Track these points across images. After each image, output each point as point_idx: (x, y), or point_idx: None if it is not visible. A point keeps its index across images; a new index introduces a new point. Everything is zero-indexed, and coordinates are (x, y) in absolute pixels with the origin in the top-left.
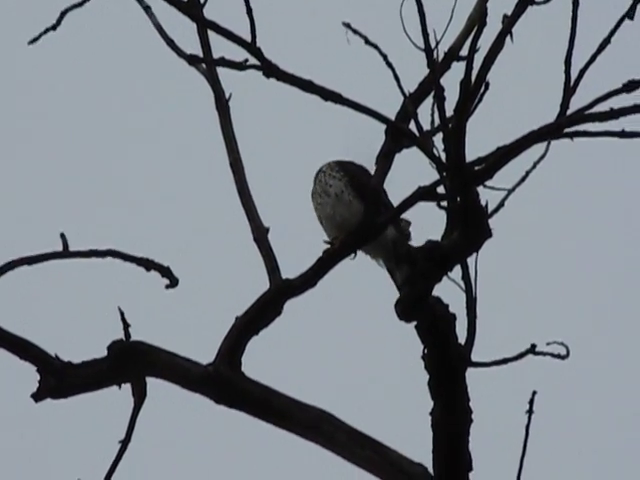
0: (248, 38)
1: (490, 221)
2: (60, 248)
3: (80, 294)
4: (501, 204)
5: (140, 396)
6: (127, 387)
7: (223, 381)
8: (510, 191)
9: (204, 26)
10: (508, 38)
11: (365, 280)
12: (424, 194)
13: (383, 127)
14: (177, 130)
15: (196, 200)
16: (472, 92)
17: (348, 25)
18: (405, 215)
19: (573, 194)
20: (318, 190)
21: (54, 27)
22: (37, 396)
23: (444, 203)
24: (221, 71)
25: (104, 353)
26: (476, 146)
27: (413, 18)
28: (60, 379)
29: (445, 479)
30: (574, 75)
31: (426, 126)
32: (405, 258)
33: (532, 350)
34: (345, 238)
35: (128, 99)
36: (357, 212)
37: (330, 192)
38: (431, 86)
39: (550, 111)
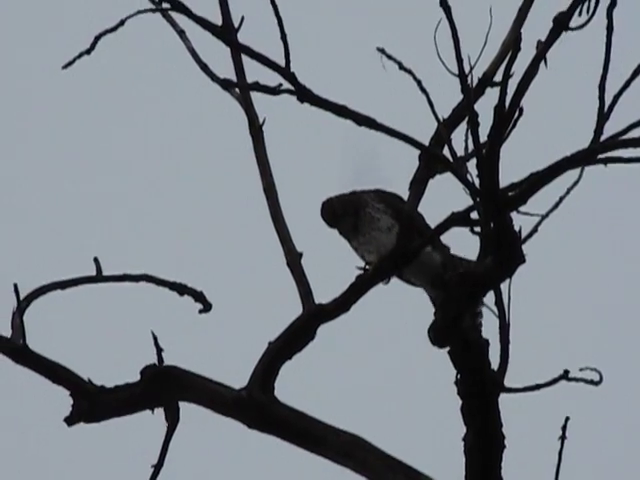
0: (282, 63)
1: (523, 247)
2: (93, 272)
3: (113, 319)
4: (534, 230)
5: (173, 420)
6: (160, 411)
7: (256, 406)
8: (544, 217)
9: (238, 50)
10: (542, 64)
11: (398, 305)
12: (457, 219)
13: (417, 153)
14: (211, 155)
15: (230, 225)
16: (506, 118)
17: (382, 50)
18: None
19: (607, 220)
20: (361, 226)
21: (88, 52)
22: (70, 420)
23: (477, 229)
24: (255, 96)
25: (137, 378)
26: (510, 172)
27: (447, 43)
28: (93, 403)
29: None
30: (608, 101)
31: (460, 152)
32: (440, 283)
33: (565, 376)
34: (379, 263)
35: (161, 124)
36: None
37: (382, 227)
38: (465, 112)
39: (584, 137)
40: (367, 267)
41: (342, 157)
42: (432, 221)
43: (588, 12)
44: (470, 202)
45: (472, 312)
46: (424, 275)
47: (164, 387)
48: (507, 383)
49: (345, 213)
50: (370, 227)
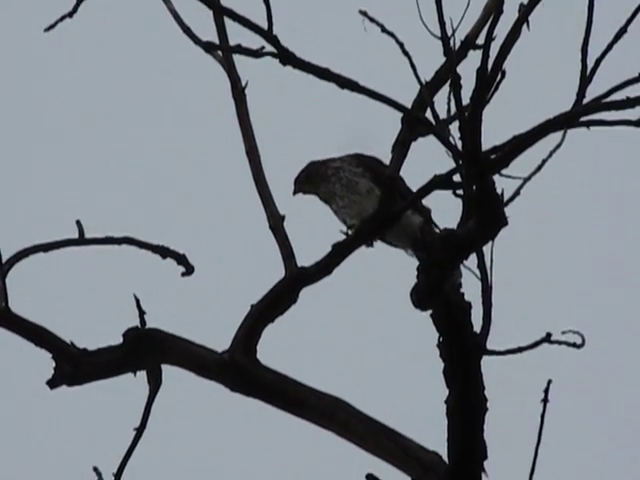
0: (265, 25)
1: (506, 209)
2: (76, 235)
3: (95, 281)
4: (517, 193)
5: (155, 383)
6: (142, 374)
7: (239, 369)
8: (526, 180)
9: (220, 13)
10: (525, 27)
11: (380, 268)
12: (440, 182)
13: (399, 115)
14: (192, 117)
15: (212, 188)
16: (488, 81)
17: (365, 13)
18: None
19: (589, 183)
20: (339, 190)
21: (70, 14)
22: (52, 383)
23: (460, 191)
24: (237, 58)
25: (119, 340)
26: (492, 135)
27: (430, 6)
28: (75, 366)
29: (460, 467)
30: (590, 64)
31: (442, 114)
32: (422, 246)
33: (547, 339)
34: (360, 227)
35: (143, 86)
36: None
37: (360, 190)
38: (447, 74)
39: (566, 100)
40: (349, 230)
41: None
42: (415, 184)
43: None
44: (452, 165)
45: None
46: (406, 237)
47: (146, 350)
48: (489, 346)
49: (308, 181)
50: (349, 191)
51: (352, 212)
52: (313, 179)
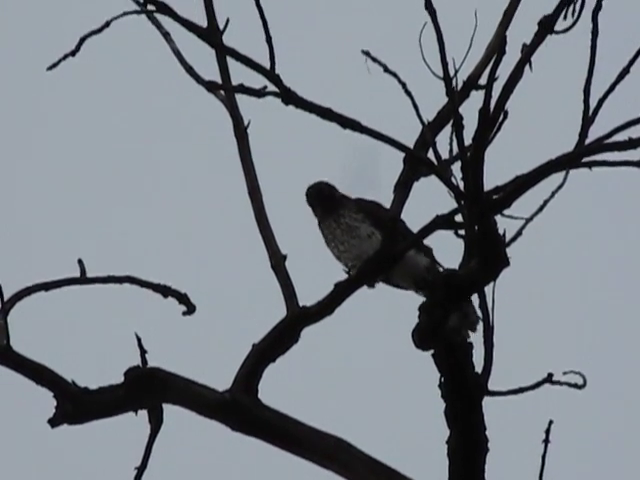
0: (267, 65)
1: (508, 250)
2: (78, 274)
3: (97, 320)
4: (519, 233)
5: (157, 422)
6: (144, 413)
7: (239, 408)
8: (528, 220)
9: (223, 53)
10: (527, 67)
11: (381, 308)
12: (442, 222)
13: (402, 155)
14: (196, 157)
15: (214, 227)
16: (491, 121)
17: (367, 53)
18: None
19: (591, 223)
20: (340, 235)
21: (73, 53)
22: (54, 422)
23: (462, 232)
24: (240, 98)
25: (121, 379)
26: (494, 175)
27: (432, 46)
28: (77, 405)
29: None
30: (593, 104)
31: (444, 155)
32: (424, 286)
33: (549, 379)
34: (362, 267)
35: (146, 125)
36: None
37: (361, 234)
38: (450, 114)
39: (569, 140)
40: (351, 271)
41: (338, 160)
42: (417, 224)
43: (573, 15)
44: (454, 205)
45: (467, 318)
46: (410, 277)
47: (148, 389)
48: (491, 386)
49: (325, 199)
50: (349, 236)
51: (352, 255)
52: (325, 204)
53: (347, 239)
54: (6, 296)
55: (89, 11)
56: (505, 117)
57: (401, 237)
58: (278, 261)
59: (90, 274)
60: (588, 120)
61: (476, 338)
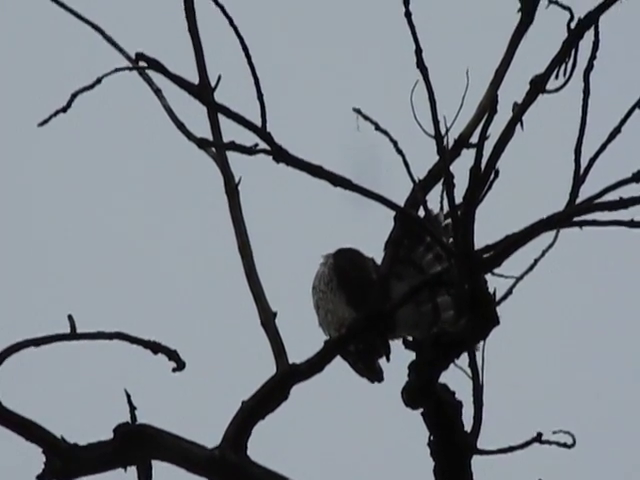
0: (259, 122)
1: (498, 309)
2: (68, 330)
3: (87, 376)
4: (509, 292)
5: (146, 479)
6: (133, 470)
7: (228, 465)
8: (518, 279)
9: (214, 110)
10: (518, 126)
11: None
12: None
13: (392, 213)
14: (186, 213)
15: (204, 283)
16: (482, 179)
17: (359, 111)
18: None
19: (582, 283)
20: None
21: (64, 109)
22: (42, 478)
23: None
24: (231, 155)
25: (110, 436)
26: (485, 233)
27: (424, 105)
28: (66, 461)
29: None
30: (584, 164)
31: (435, 213)
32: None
33: (538, 439)
34: (351, 324)
35: (136, 181)
36: (340, 303)
37: (323, 288)
38: (441, 173)
39: (559, 199)
40: (340, 329)
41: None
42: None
43: (565, 75)
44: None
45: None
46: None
47: (137, 445)
48: (480, 445)
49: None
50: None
51: (328, 308)
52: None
53: (321, 292)
54: None
55: (80, 67)
56: (496, 176)
57: (390, 295)
58: (268, 318)
59: (80, 330)
60: (579, 179)
61: (466, 397)
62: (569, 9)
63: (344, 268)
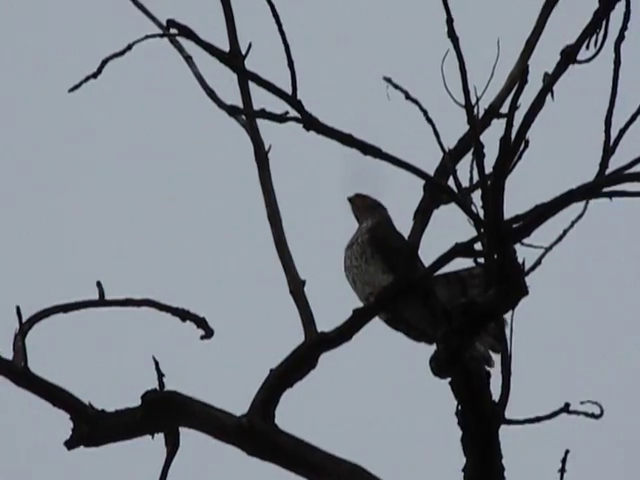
0: (289, 90)
1: (527, 279)
2: (96, 296)
3: (115, 343)
4: (538, 262)
5: (173, 446)
6: (160, 437)
7: (256, 433)
8: (547, 249)
9: (245, 77)
10: (549, 96)
11: (400, 335)
12: (461, 251)
13: (422, 183)
14: (216, 181)
15: (234, 252)
16: (512, 150)
17: (389, 80)
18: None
19: (610, 253)
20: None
21: (95, 75)
22: (70, 444)
23: (481, 260)
24: (261, 123)
25: (138, 402)
26: (514, 204)
27: (454, 75)
28: (93, 427)
29: None
30: (614, 134)
31: (465, 183)
32: (442, 314)
33: (566, 409)
34: (380, 293)
35: (167, 148)
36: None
37: (356, 263)
38: (471, 143)
39: (589, 170)
40: (370, 297)
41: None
42: (436, 251)
43: (596, 45)
44: (474, 233)
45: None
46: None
47: (164, 413)
48: (508, 415)
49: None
50: (356, 257)
51: (365, 280)
52: (367, 212)
53: (357, 266)
54: (24, 317)
55: (112, 34)
56: (526, 146)
57: (420, 265)
58: (297, 286)
59: (109, 297)
60: (609, 150)
61: (494, 367)
62: None
63: (375, 234)
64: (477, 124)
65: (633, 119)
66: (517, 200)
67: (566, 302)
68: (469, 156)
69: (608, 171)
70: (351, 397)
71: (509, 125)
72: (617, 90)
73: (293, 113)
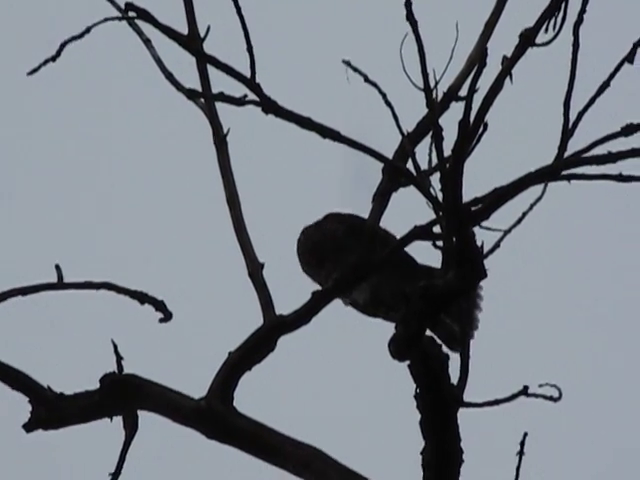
0: (248, 74)
1: (486, 262)
2: (55, 279)
3: (74, 326)
4: (497, 245)
5: (131, 429)
6: (119, 420)
7: (215, 416)
8: (506, 232)
9: (203, 60)
10: (507, 79)
11: (359, 318)
12: (420, 233)
13: (381, 166)
14: (174, 164)
15: (191, 235)
16: (470, 132)
17: (348, 63)
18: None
19: (569, 236)
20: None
21: (53, 58)
22: (28, 427)
23: (440, 243)
24: (220, 106)
25: (97, 385)
26: (473, 186)
27: (413, 57)
28: (51, 410)
29: None
30: (572, 118)
31: (424, 166)
32: (399, 296)
33: (524, 392)
34: (339, 276)
35: (125, 131)
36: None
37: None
38: (429, 126)
39: (548, 153)
40: (327, 280)
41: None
42: (395, 234)
43: (554, 29)
44: (433, 216)
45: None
46: (385, 290)
47: (123, 395)
48: (466, 397)
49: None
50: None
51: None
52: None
53: None
54: None
55: (70, 16)
56: (485, 129)
57: (379, 246)
58: (255, 269)
59: (67, 279)
60: (567, 133)
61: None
62: None
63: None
64: (436, 107)
65: (591, 102)
66: (476, 183)
67: (525, 285)
68: (428, 139)
69: (567, 154)
70: (310, 380)
71: (468, 108)
72: (576, 73)
73: (252, 97)
